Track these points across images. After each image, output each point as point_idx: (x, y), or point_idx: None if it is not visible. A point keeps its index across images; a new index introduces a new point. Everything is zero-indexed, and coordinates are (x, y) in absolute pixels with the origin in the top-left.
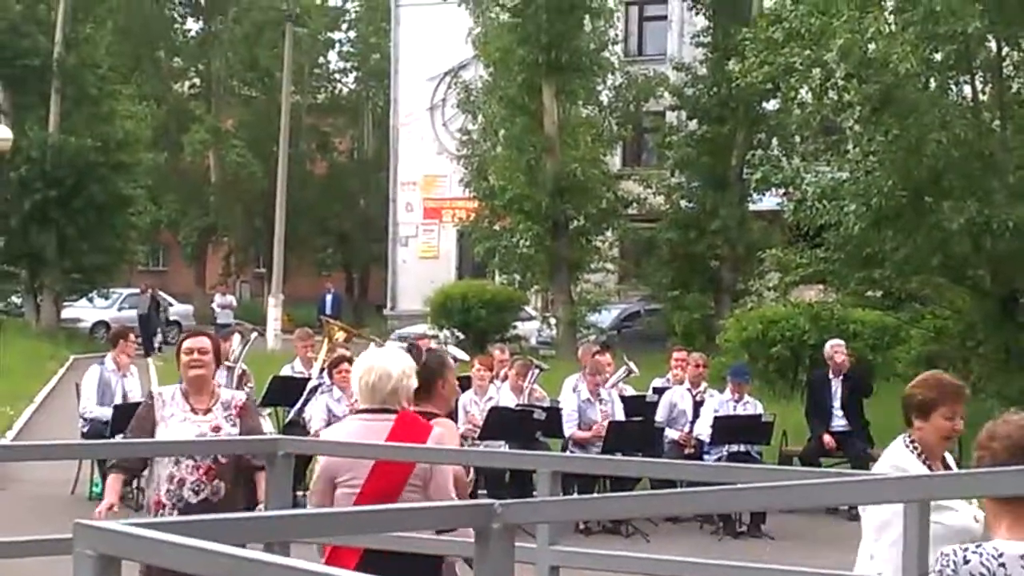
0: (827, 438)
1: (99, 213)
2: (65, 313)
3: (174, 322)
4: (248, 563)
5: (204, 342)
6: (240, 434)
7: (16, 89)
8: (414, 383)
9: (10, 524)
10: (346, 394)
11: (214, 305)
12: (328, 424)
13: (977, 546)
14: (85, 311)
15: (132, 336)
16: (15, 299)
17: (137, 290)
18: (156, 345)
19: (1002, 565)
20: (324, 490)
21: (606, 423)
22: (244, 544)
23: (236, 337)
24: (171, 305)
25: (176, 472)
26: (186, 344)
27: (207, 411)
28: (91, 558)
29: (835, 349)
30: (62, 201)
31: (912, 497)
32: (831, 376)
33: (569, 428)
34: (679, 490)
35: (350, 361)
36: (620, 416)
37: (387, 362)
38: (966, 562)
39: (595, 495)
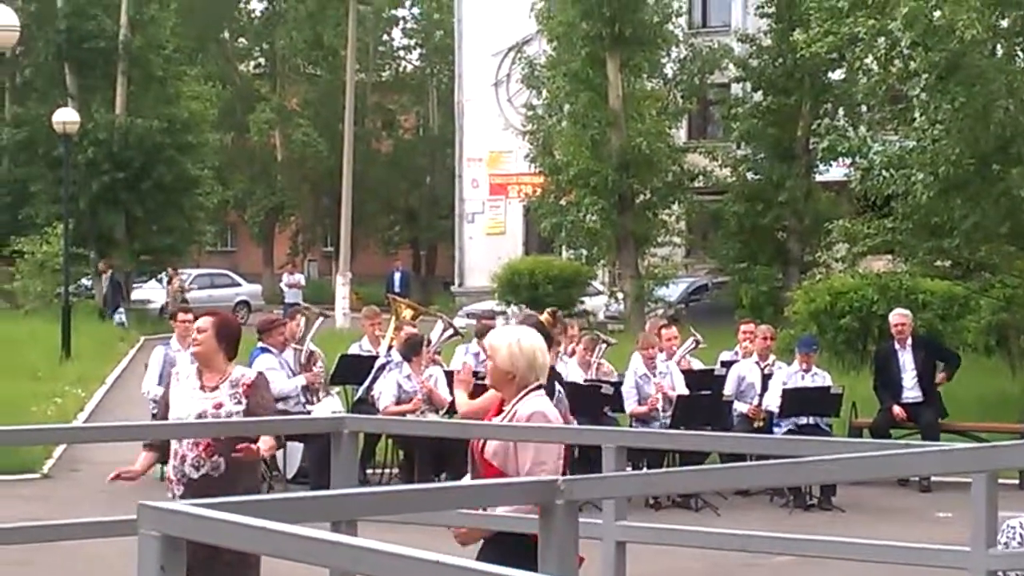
0: (897, 409)
1: (167, 194)
2: (135, 294)
3: (243, 302)
4: (312, 542)
5: (204, 321)
6: (245, 411)
7: (83, 72)
8: None
9: (82, 505)
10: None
11: (282, 284)
12: (398, 402)
13: None
14: (155, 292)
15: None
16: (85, 281)
17: (211, 270)
18: (118, 322)
19: None
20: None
21: (660, 395)
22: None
23: (301, 319)
24: (239, 285)
25: (179, 449)
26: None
27: (215, 388)
28: (156, 539)
29: (894, 320)
30: (130, 183)
31: (979, 467)
32: (897, 347)
33: (629, 404)
34: (743, 464)
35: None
36: (681, 388)
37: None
38: None
39: (658, 470)
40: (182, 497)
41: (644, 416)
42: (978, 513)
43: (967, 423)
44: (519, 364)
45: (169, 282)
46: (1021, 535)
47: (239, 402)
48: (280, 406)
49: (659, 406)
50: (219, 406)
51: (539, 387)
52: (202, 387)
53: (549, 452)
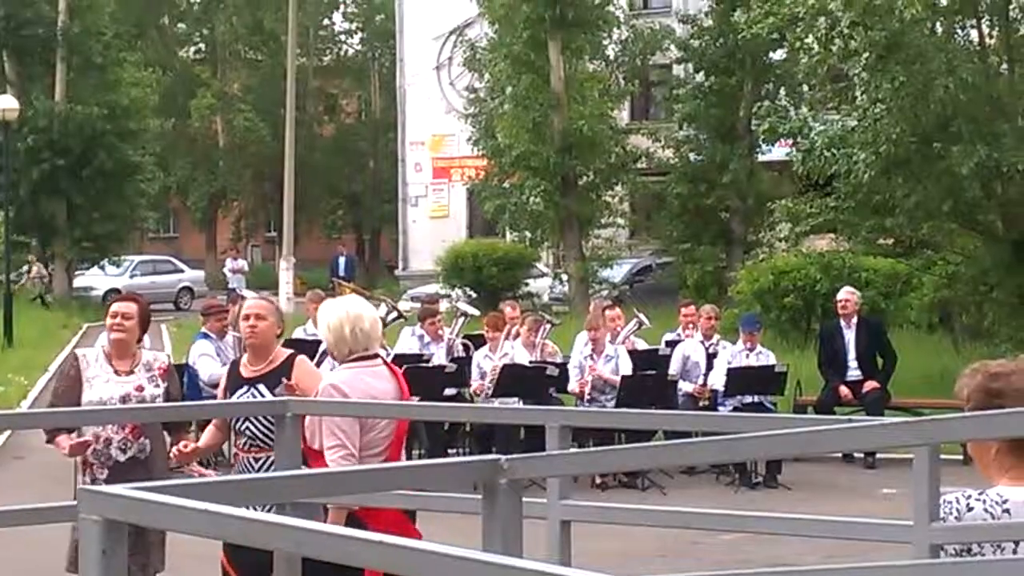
0: (844, 390)
1: (108, 181)
2: (77, 282)
3: (186, 288)
4: (256, 525)
5: (129, 307)
6: (165, 395)
7: (22, 58)
8: None
9: (28, 492)
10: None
11: (225, 270)
12: None
13: (980, 493)
14: (97, 279)
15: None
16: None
17: (153, 256)
18: None
19: (1006, 511)
20: (354, 437)
21: (591, 377)
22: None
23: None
24: (182, 271)
25: (103, 432)
26: (112, 308)
27: (129, 372)
28: (97, 523)
29: (840, 296)
30: (71, 170)
31: (919, 441)
32: (843, 325)
33: (572, 384)
34: (686, 440)
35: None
36: (627, 371)
37: (366, 308)
38: (969, 509)
39: (600, 447)
40: (106, 480)
41: (578, 395)
42: (920, 487)
43: (912, 400)
44: (330, 338)
45: (29, 271)
46: (957, 510)
47: (157, 385)
48: (216, 392)
49: (587, 390)
50: (140, 389)
51: (362, 358)
52: (116, 372)
53: (347, 433)
